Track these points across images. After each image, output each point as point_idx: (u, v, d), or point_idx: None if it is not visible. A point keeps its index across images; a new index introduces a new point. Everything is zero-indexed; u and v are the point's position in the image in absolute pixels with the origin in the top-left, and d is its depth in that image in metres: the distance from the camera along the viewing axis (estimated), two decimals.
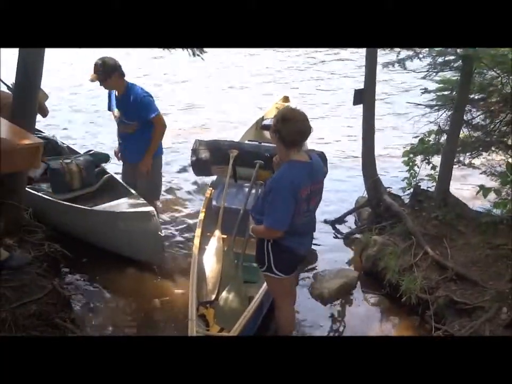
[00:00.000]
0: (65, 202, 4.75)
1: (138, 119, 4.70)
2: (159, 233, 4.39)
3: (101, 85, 4.68)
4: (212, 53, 5.28)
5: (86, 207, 4.66)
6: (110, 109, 5.05)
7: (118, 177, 5.32)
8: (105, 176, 5.37)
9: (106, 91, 4.94)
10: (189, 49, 5.95)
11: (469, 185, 5.99)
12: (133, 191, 4.89)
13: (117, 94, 4.78)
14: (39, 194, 4.86)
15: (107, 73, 4.55)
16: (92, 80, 4.62)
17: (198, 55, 6.09)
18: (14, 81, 4.40)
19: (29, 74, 4.25)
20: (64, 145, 5.88)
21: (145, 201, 4.60)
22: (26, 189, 4.66)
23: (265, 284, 3.78)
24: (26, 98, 4.30)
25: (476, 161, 5.48)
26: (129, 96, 4.67)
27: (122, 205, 4.63)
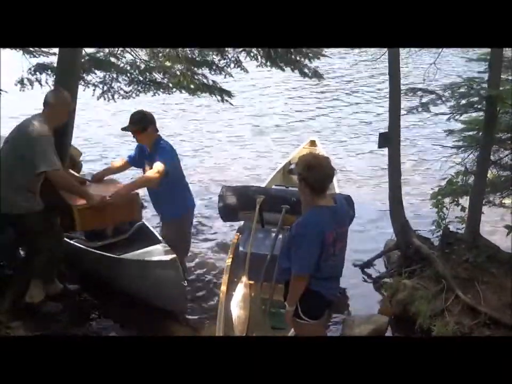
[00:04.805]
0: (91, 249, 4.81)
1: None
2: (182, 282, 4.36)
3: (134, 137, 4.70)
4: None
5: (107, 254, 4.69)
6: (133, 164, 5.02)
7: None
8: (137, 223, 5.41)
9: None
10: (217, 96, 6.19)
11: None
12: (161, 239, 4.93)
13: (149, 150, 4.74)
14: (71, 242, 4.95)
15: (145, 125, 4.55)
16: (125, 129, 4.64)
17: (226, 101, 6.31)
18: None
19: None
20: None
21: (170, 249, 4.60)
22: None
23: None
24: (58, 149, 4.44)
25: (507, 201, 5.40)
26: (157, 149, 4.64)
27: (148, 252, 4.66)
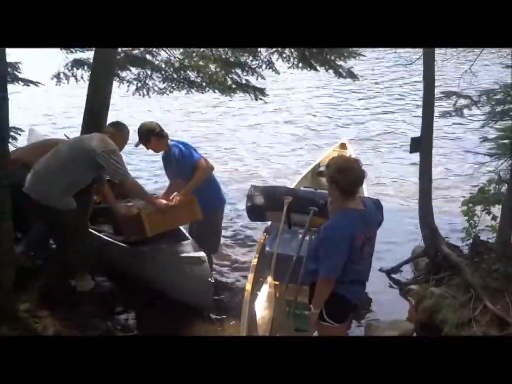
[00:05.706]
0: (119, 243, 4.87)
1: (187, 174, 4.75)
2: (209, 279, 4.39)
3: (147, 148, 4.86)
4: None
5: (136, 248, 4.74)
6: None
7: None
8: None
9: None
10: (251, 94, 6.21)
11: None
12: (188, 235, 4.96)
13: (165, 154, 4.89)
14: (100, 235, 5.03)
15: (145, 138, 4.72)
16: (136, 145, 4.86)
17: (261, 99, 6.32)
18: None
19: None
20: None
21: (198, 246, 4.64)
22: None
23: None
24: None
25: None
26: (171, 154, 4.77)
27: (177, 248, 4.71)
